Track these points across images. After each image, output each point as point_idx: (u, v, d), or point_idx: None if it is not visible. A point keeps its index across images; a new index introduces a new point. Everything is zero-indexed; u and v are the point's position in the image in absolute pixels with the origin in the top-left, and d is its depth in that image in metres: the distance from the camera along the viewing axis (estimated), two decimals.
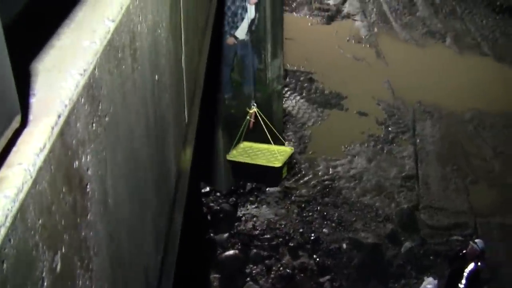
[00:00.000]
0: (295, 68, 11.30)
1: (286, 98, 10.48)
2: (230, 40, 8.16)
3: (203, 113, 4.10)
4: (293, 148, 8.20)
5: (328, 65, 11.47)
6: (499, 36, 12.89)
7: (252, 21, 8.05)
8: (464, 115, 10.49)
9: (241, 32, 8.10)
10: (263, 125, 7.53)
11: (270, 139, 7.51)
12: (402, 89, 10.96)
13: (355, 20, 13.15)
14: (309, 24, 12.92)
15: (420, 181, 9.19)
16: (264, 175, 7.55)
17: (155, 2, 1.95)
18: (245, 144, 7.66)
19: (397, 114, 10.48)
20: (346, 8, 13.52)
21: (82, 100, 1.18)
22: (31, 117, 1.05)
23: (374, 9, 13.62)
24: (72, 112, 1.12)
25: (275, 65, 8.61)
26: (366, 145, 9.81)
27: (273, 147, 7.60)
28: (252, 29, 8.12)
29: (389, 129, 10.14)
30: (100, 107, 1.31)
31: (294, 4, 13.41)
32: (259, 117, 7.51)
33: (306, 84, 11.02)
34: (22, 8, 1.32)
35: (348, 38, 12.53)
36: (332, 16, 13.14)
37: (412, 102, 10.72)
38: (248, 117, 7.59)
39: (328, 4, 13.63)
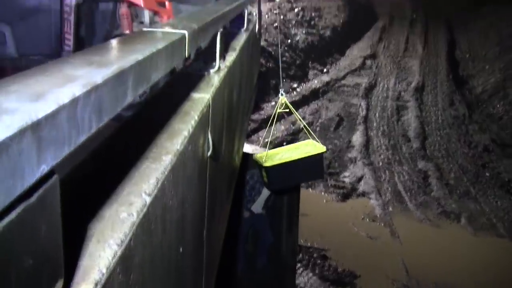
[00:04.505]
0: (309, 244, 11.30)
1: (298, 274, 10.38)
2: (246, 214, 8.31)
3: (217, 285, 4.10)
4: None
5: (342, 242, 11.47)
6: None
7: (269, 196, 8.23)
8: None
9: (258, 206, 8.26)
10: (295, 115, 7.36)
11: (305, 126, 7.38)
12: (417, 269, 10.84)
13: (370, 198, 13.34)
14: (324, 201, 13.11)
15: None
16: (308, 169, 6.97)
17: (186, 176, 2.06)
18: (270, 153, 7.07)
19: None
20: (361, 187, 13.77)
21: (118, 269, 1.24)
22: (71, 282, 1.10)
23: (389, 188, 13.86)
24: (108, 281, 1.18)
25: (290, 241, 8.64)
26: None
27: (300, 143, 7.34)
28: (268, 204, 8.28)
29: None
30: (131, 277, 1.36)
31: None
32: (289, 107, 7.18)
33: (319, 261, 10.94)
34: (67, 177, 1.43)
35: (362, 216, 12.64)
36: (347, 193, 13.36)
37: (427, 283, 10.56)
38: (278, 109, 7.18)
39: (344, 182, 13.91)
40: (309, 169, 7.01)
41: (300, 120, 7.57)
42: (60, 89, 0.95)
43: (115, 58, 1.32)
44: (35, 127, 0.81)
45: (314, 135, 7.39)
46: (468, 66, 23.67)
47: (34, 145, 0.81)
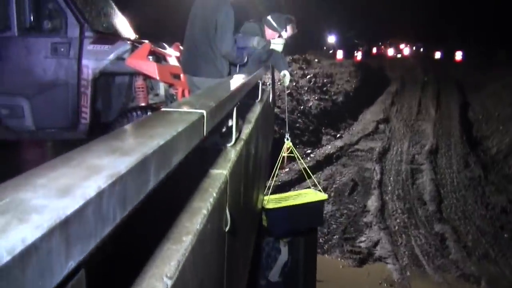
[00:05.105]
0: None
1: None
2: (263, 282, 8.22)
3: None
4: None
5: None
6: None
7: (285, 263, 8.16)
8: None
9: (275, 274, 8.17)
10: (298, 159, 7.20)
11: (308, 172, 7.30)
12: None
13: (387, 263, 13.13)
14: (341, 266, 12.92)
15: None
16: (308, 216, 6.86)
17: (205, 254, 2.06)
18: (272, 197, 6.89)
19: None
20: (378, 251, 13.58)
21: None
22: None
23: (406, 252, 13.66)
24: None
25: None
26: None
27: (302, 191, 7.22)
28: (285, 270, 8.20)
29: None
30: None
31: (326, 246, 13.57)
32: (293, 152, 7.11)
33: None
34: (88, 262, 1.44)
35: (380, 281, 12.41)
36: (363, 258, 13.17)
37: None
38: (282, 154, 7.11)
39: (360, 247, 13.74)
40: (309, 215, 6.97)
41: (303, 166, 7.62)
42: (86, 183, 0.96)
43: (137, 144, 1.34)
44: (63, 224, 0.82)
45: (317, 183, 7.41)
46: (482, 127, 23.72)
47: (62, 242, 0.82)
